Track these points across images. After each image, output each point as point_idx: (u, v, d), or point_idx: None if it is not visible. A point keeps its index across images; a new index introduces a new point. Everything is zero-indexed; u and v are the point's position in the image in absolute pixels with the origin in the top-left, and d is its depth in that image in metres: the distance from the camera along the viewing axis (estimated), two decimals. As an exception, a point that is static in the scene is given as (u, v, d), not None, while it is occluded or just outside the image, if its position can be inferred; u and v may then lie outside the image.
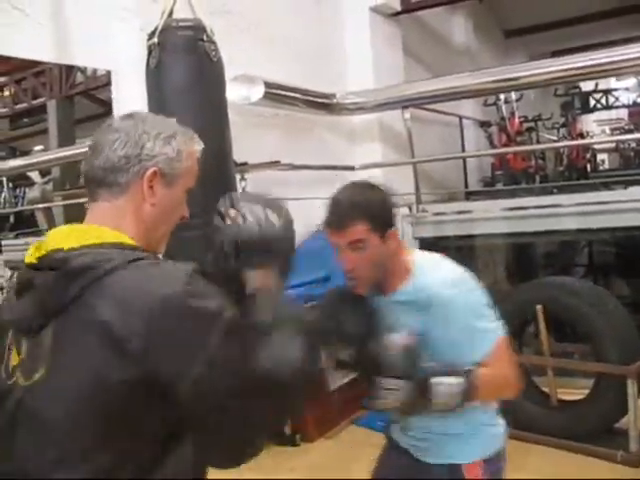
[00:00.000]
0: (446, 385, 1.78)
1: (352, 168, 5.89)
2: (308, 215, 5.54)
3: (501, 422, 2.07)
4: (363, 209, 1.86)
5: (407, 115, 5.93)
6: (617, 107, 11.35)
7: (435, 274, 1.90)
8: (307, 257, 5.31)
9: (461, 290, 1.87)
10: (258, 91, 4.84)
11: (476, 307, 1.88)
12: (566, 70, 5.87)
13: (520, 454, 4.24)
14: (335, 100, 5.72)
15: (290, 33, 5.54)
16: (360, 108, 5.86)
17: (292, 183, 5.32)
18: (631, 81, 10.63)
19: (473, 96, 7.09)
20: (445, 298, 1.83)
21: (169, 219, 1.38)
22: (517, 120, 7.39)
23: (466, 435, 1.97)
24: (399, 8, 6.61)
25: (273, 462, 4.08)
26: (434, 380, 1.78)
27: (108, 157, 1.30)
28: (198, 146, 1.42)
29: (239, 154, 3.66)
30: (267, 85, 4.90)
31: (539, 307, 4.50)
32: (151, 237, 1.35)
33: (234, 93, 4.50)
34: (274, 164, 4.75)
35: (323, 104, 5.66)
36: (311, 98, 5.52)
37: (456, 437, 1.97)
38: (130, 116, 1.37)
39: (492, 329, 1.89)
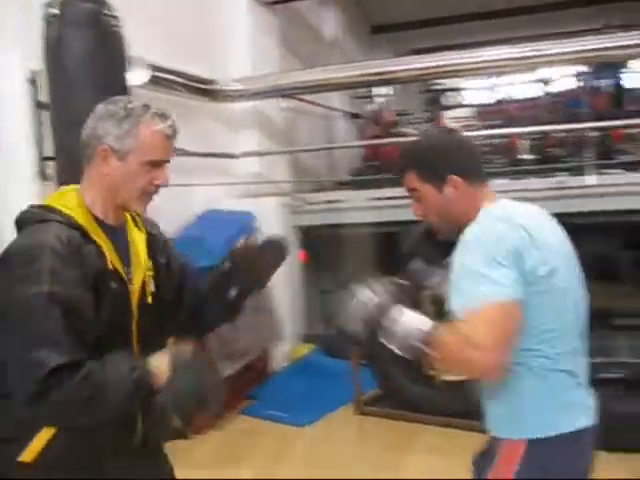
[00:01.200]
0: (403, 327, 1.64)
1: (234, 156, 5.84)
2: (188, 202, 5.47)
3: (577, 402, 1.74)
4: (411, 159, 1.85)
5: (286, 104, 5.97)
6: (469, 106, 11.91)
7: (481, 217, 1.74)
8: (189, 245, 5.20)
9: (482, 231, 1.69)
10: (144, 74, 4.66)
11: (485, 255, 1.62)
12: (429, 68, 6.17)
13: (411, 433, 4.45)
14: (218, 86, 5.62)
15: (169, 15, 5.37)
16: (242, 95, 5.80)
17: (172, 169, 5.18)
18: (486, 82, 11.18)
19: (345, 88, 7.26)
20: (465, 233, 1.70)
21: (126, 186, 1.73)
22: (389, 114, 7.61)
23: (511, 405, 1.72)
24: (276, -3, 6.61)
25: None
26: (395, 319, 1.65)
27: (81, 137, 1.75)
28: (156, 125, 1.71)
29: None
30: (150, 69, 4.75)
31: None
32: (111, 199, 1.75)
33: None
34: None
35: (205, 90, 5.55)
36: (193, 83, 5.40)
37: (500, 405, 1.75)
38: (102, 103, 1.76)
39: (486, 287, 1.59)
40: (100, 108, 1.73)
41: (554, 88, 8.89)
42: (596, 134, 6.42)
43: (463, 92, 11.35)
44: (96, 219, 1.75)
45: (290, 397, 5.06)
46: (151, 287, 1.86)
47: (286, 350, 5.69)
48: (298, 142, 6.49)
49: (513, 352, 1.61)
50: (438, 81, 9.42)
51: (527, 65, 6.44)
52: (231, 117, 6.20)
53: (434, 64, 6.20)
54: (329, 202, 6.14)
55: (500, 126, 8.60)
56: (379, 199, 5.95)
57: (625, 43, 5.64)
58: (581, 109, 7.55)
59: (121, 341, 1.72)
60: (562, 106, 8.38)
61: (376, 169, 7.38)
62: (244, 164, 6.05)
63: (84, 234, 1.69)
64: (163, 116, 1.73)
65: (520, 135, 7.49)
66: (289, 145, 6.15)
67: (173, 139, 1.78)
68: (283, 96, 6.04)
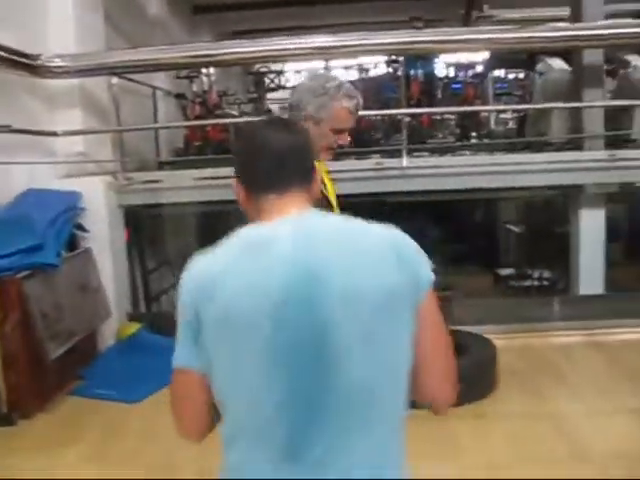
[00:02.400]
0: None
1: (55, 134, 5.71)
2: (8, 181, 5.30)
3: None
4: None
5: (114, 81, 5.93)
6: (290, 88, 12.25)
7: None
8: (10, 225, 5.07)
9: None
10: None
11: None
12: (255, 52, 6.38)
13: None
14: (40, 62, 5.45)
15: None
16: (66, 72, 5.65)
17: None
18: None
19: (173, 69, 7.30)
20: None
21: (319, 143, 2.32)
22: (214, 94, 7.70)
23: None
24: (100, -28, 6.46)
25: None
26: None
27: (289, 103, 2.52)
28: (345, 104, 2.43)
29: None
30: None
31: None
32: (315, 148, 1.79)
33: None
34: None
35: (26, 65, 5.36)
36: (13, 57, 5.20)
37: None
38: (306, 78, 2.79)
39: None
40: (304, 82, 2.60)
41: (370, 74, 9.46)
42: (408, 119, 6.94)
43: (288, 74, 11.70)
44: None
45: (119, 375, 5.09)
46: None
47: (113, 329, 5.70)
48: (124, 121, 6.42)
49: None
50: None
51: (346, 53, 6.84)
52: (54, 94, 6.02)
53: (256, 49, 6.39)
54: (153, 182, 6.17)
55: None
56: (201, 179, 6.05)
57: (436, 38, 6.18)
58: (394, 95, 8.11)
59: None
60: (379, 91, 8.92)
61: (199, 149, 7.47)
62: (68, 143, 5.92)
63: None
64: (351, 96, 2.43)
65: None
66: (114, 124, 6.09)
67: (355, 114, 2.47)
68: (109, 74, 5.98)
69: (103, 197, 5.73)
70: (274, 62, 8.93)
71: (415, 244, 1.42)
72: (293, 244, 1.34)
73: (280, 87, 11.98)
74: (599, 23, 5.94)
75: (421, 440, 3.74)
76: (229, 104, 9.81)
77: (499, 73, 9.66)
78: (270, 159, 1.47)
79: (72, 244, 5.36)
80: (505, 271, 8.69)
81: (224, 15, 10.38)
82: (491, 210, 9.69)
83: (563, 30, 6.01)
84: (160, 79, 8.24)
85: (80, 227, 5.45)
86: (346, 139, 2.48)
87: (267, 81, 11.49)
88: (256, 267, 1.33)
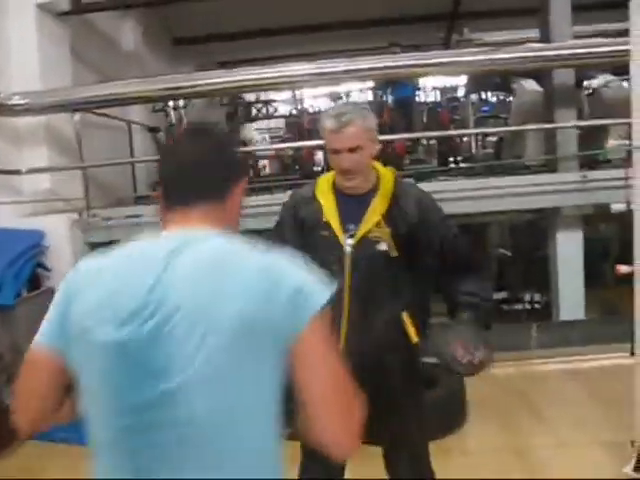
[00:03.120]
0: None
1: (19, 172, 5.66)
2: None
3: None
4: None
5: (77, 118, 5.86)
6: (277, 117, 12.23)
7: None
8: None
9: None
10: None
11: None
12: (230, 82, 6.33)
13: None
14: (-2, 101, 5.42)
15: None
16: (27, 110, 5.63)
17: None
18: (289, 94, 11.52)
19: (142, 102, 7.24)
20: None
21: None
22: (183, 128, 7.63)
23: None
24: (67, 8, 6.44)
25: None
26: None
27: None
28: (328, 123, 2.42)
29: None
30: None
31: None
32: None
33: None
34: None
35: (-16, 104, 5.34)
36: (-29, 97, 5.18)
37: None
38: None
39: None
40: None
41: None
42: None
43: (270, 104, 11.66)
44: (335, 188, 2.52)
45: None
46: (379, 245, 2.42)
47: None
48: (95, 156, 6.37)
49: None
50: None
51: (325, 80, 6.78)
52: (19, 131, 6.00)
53: (232, 79, 6.36)
54: (128, 217, 6.05)
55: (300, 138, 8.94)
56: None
57: (413, 62, 6.12)
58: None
59: None
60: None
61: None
62: (34, 181, 5.87)
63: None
64: (333, 115, 2.43)
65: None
66: (83, 160, 6.02)
67: (340, 132, 2.38)
68: (75, 110, 5.93)
69: (68, 235, 5.64)
70: (251, 92, 8.92)
71: (304, 272, 1.31)
72: (156, 264, 1.29)
73: (267, 117, 12.02)
74: (569, 42, 5.86)
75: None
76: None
77: (483, 95, 9.60)
78: (174, 170, 1.44)
79: (34, 283, 5.26)
80: (497, 295, 8.56)
81: (205, 46, 10.37)
82: (480, 235, 9.56)
83: (535, 51, 5.93)
84: (137, 112, 8.21)
85: (42, 266, 5.35)
86: (345, 162, 2.39)
87: (255, 111, 11.54)
88: (115, 283, 1.31)
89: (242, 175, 1.50)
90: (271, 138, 13.96)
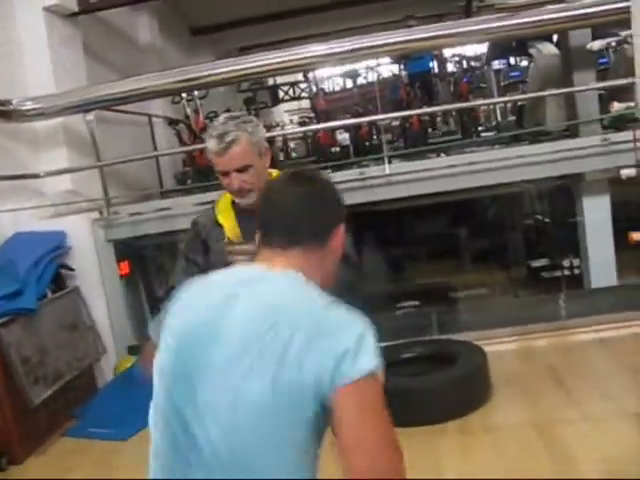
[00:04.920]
0: None
1: (37, 176, 5.74)
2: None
3: None
4: None
5: (90, 117, 5.93)
6: (303, 98, 12.17)
7: None
8: (-5, 273, 5.10)
9: None
10: None
11: None
12: (246, 68, 6.30)
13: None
14: (12, 107, 5.50)
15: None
16: (41, 114, 5.71)
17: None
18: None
19: (160, 96, 7.27)
20: None
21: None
22: (201, 117, 7.63)
23: None
24: (76, 9, 6.49)
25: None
26: None
27: None
28: (210, 144, 2.27)
29: None
30: None
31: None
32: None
33: None
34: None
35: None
36: (-16, 106, 5.27)
37: None
38: None
39: None
40: None
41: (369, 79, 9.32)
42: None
43: (296, 86, 11.59)
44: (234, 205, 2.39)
45: (112, 412, 5.03)
46: None
47: (111, 365, 5.67)
48: (118, 153, 6.44)
49: None
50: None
51: (342, 59, 6.71)
52: (38, 135, 6.09)
53: (246, 66, 6.33)
54: (156, 211, 6.08)
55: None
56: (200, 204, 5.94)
57: (430, 34, 6.00)
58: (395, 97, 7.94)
59: None
60: (387, 94, 8.76)
61: (196, 174, 7.38)
62: (56, 182, 5.96)
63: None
64: (212, 135, 2.27)
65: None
66: (100, 158, 6.08)
67: (223, 154, 2.24)
68: (88, 110, 5.96)
69: (89, 234, 5.71)
70: (269, 76, 8.87)
71: (359, 331, 1.30)
72: (219, 299, 1.39)
73: (294, 98, 11.96)
74: (584, 2, 5.65)
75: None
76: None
77: (512, 61, 9.40)
78: (262, 215, 1.53)
79: (59, 284, 5.35)
80: (537, 263, 8.42)
81: (224, 34, 10.35)
82: (513, 202, 9.40)
83: (551, 12, 5.74)
84: (157, 105, 8.24)
85: (65, 266, 5.43)
86: (235, 183, 2.26)
87: (281, 93, 11.50)
88: (193, 309, 1.44)
89: (339, 220, 1.53)
90: (300, 119, 13.89)
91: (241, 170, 2.24)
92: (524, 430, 3.88)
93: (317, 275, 1.45)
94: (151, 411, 1.47)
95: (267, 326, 1.29)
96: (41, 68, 6.02)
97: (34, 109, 5.64)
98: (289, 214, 1.46)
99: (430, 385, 4.24)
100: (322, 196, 1.52)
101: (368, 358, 1.27)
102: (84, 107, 5.92)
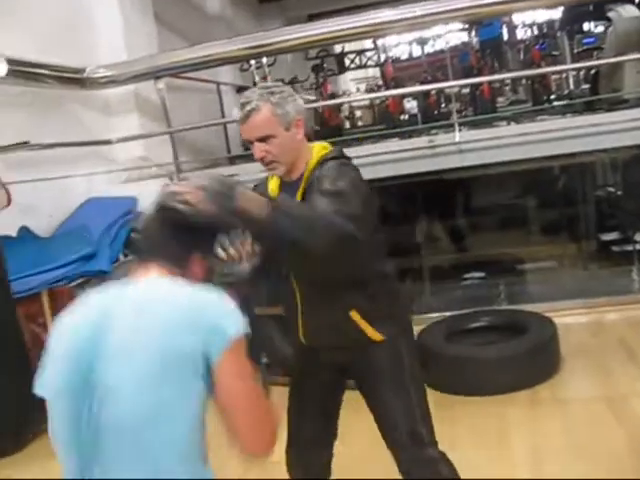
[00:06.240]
0: None
1: (109, 142, 5.85)
2: (69, 193, 5.49)
3: None
4: None
5: (161, 85, 6.00)
6: (370, 66, 12.05)
7: None
8: (69, 236, 5.26)
9: None
10: (0, 69, 4.65)
11: None
12: (314, 35, 6.26)
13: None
14: (85, 74, 5.61)
15: (32, 4, 5.34)
16: (112, 81, 5.80)
17: (46, 162, 5.21)
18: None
19: (229, 63, 7.28)
20: None
21: None
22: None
23: None
24: (148, -24, 6.55)
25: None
26: None
27: None
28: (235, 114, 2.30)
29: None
30: (10, 62, 4.72)
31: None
32: None
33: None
34: (22, 145, 4.61)
35: (73, 79, 5.54)
36: (59, 74, 5.38)
37: None
38: None
39: None
40: None
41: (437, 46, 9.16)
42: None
43: (363, 54, 11.48)
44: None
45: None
46: None
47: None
48: (187, 120, 6.50)
49: None
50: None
51: (411, 26, 6.60)
52: (109, 102, 6.20)
53: (312, 32, 6.30)
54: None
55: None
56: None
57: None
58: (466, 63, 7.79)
59: None
60: (457, 61, 8.60)
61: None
62: (128, 149, 6.07)
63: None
64: (240, 104, 2.18)
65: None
66: (171, 125, 6.16)
67: (244, 122, 2.16)
68: (159, 77, 6.03)
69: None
70: (337, 43, 8.77)
71: (223, 305, 1.49)
72: (100, 303, 1.57)
73: (361, 66, 11.86)
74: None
75: (467, 426, 3.63)
76: (304, 90, 9.72)
77: (586, 27, 9.07)
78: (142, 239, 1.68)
79: (131, 248, 5.47)
80: (608, 236, 8.21)
81: (293, 1, 10.29)
82: (586, 174, 9.15)
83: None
84: (226, 72, 8.28)
85: (137, 231, 5.54)
86: (257, 152, 2.18)
87: (347, 61, 11.41)
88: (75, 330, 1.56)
89: (197, 252, 1.64)
90: (368, 87, 13.77)
91: (262, 140, 2.17)
92: (594, 403, 3.82)
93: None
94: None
95: (146, 314, 1.48)
96: (113, 36, 6.11)
97: (106, 76, 5.73)
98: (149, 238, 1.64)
99: (501, 354, 4.20)
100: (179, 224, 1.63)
101: (234, 326, 1.46)
102: (155, 74, 5.98)
